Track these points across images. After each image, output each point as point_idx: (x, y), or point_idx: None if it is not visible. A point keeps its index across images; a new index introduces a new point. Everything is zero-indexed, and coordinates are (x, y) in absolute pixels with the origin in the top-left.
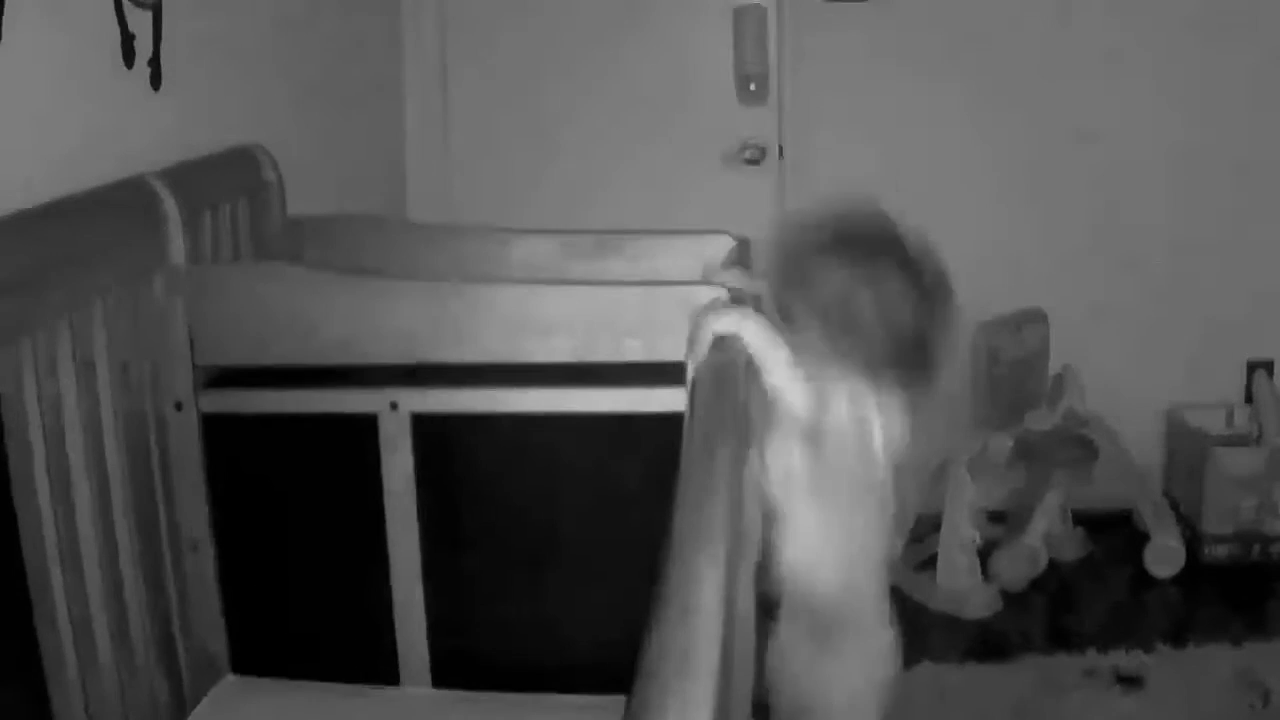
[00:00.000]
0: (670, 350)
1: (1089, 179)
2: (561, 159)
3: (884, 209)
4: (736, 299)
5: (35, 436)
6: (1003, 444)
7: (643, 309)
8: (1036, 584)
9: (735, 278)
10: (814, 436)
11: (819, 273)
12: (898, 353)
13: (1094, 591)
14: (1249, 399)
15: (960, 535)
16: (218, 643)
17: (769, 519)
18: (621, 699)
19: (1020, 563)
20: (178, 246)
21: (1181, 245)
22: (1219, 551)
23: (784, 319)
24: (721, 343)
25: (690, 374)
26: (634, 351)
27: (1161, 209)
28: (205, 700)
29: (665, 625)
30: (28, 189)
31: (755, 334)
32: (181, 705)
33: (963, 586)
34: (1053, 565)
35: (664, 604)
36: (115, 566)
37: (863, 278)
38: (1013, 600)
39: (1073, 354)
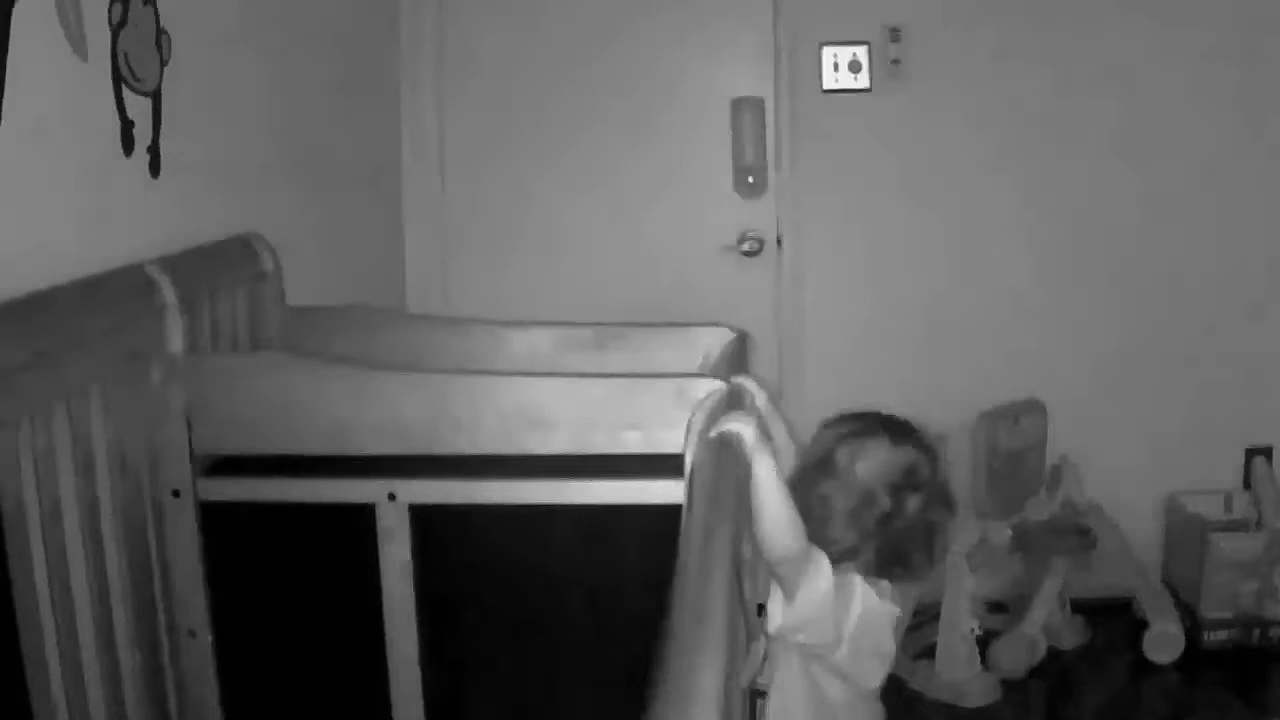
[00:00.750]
0: (668, 442)
1: (1087, 268)
2: (560, 251)
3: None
4: (735, 394)
5: (33, 524)
6: (1001, 533)
7: (640, 401)
8: (1036, 672)
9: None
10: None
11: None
12: (911, 542)
13: (1093, 679)
14: (1247, 485)
15: (960, 625)
16: None
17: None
18: None
19: (1019, 651)
20: (176, 334)
21: (1179, 333)
22: (1219, 637)
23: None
24: (725, 441)
25: (688, 466)
26: (632, 443)
27: (1158, 298)
28: None
29: (665, 717)
30: (26, 275)
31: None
32: None
33: (962, 676)
34: (1052, 653)
35: (663, 696)
36: (113, 653)
37: (899, 468)
38: (1012, 689)
39: (1071, 442)
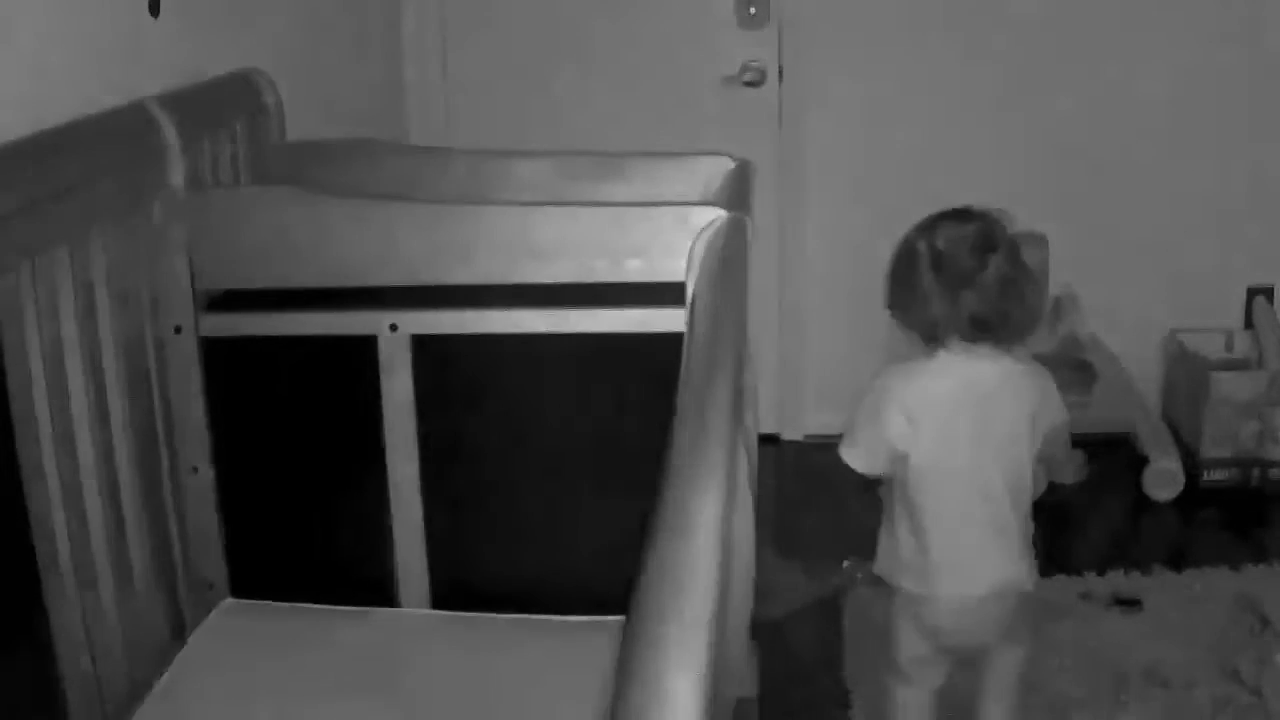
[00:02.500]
0: (670, 270)
1: (1090, 104)
2: (561, 83)
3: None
4: (736, 224)
5: (35, 363)
6: None
7: (642, 230)
8: (1035, 507)
9: None
10: None
11: (935, 237)
12: (1005, 298)
13: (1092, 514)
14: (1249, 325)
15: None
16: (217, 567)
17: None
18: (621, 620)
19: None
20: (177, 171)
21: (1183, 171)
22: (1218, 476)
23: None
24: None
25: (690, 294)
26: (634, 272)
27: (1164, 135)
28: (204, 624)
29: (663, 545)
30: (26, 116)
31: None
32: (181, 629)
33: None
34: (1051, 488)
35: (662, 524)
36: (115, 491)
37: (972, 234)
38: None
39: (1073, 277)
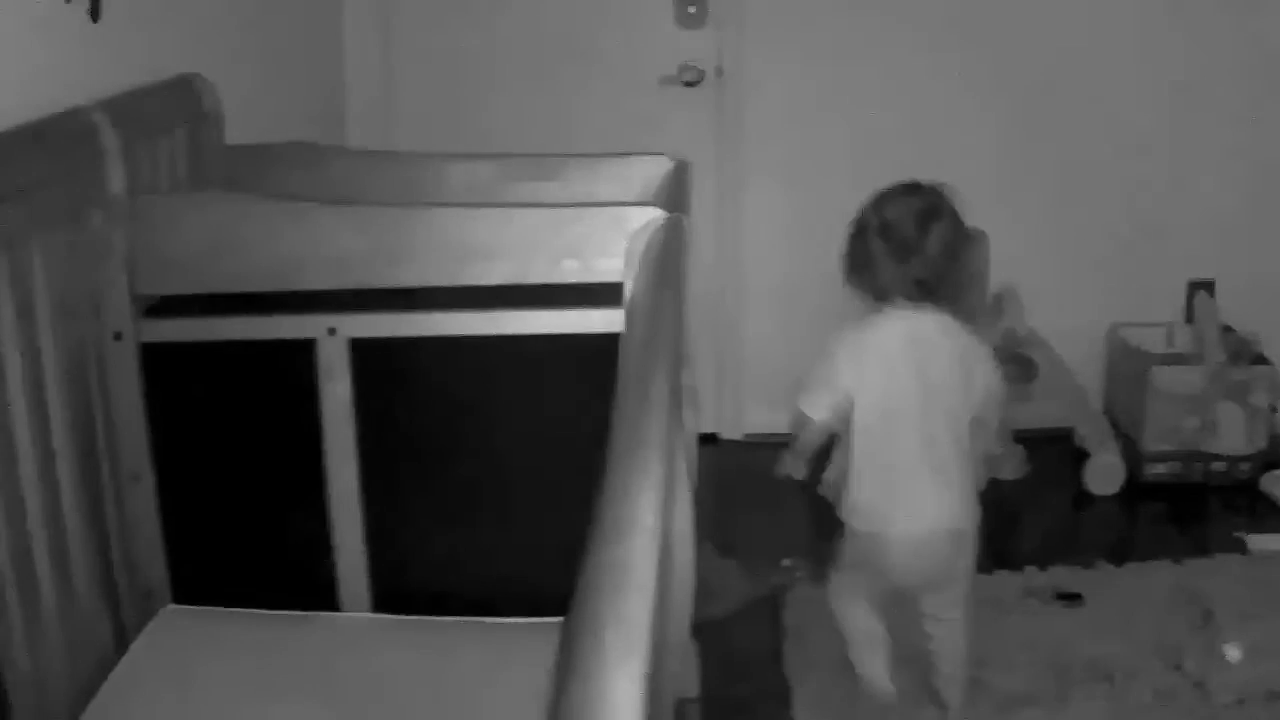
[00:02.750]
0: (609, 271)
1: (1032, 95)
2: (500, 84)
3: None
4: (674, 224)
5: None
6: None
7: (580, 231)
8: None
9: None
10: None
11: (883, 208)
12: (946, 266)
13: (1034, 510)
14: (1190, 319)
15: None
16: (158, 573)
17: None
18: (561, 621)
19: None
20: (116, 177)
21: (1123, 164)
22: (1159, 470)
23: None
24: None
25: (628, 294)
26: (572, 273)
27: (1104, 127)
28: (146, 631)
29: (602, 547)
30: None
31: None
32: (122, 636)
33: None
34: (993, 484)
35: (601, 526)
36: (55, 498)
37: (918, 206)
38: None
39: (1014, 272)
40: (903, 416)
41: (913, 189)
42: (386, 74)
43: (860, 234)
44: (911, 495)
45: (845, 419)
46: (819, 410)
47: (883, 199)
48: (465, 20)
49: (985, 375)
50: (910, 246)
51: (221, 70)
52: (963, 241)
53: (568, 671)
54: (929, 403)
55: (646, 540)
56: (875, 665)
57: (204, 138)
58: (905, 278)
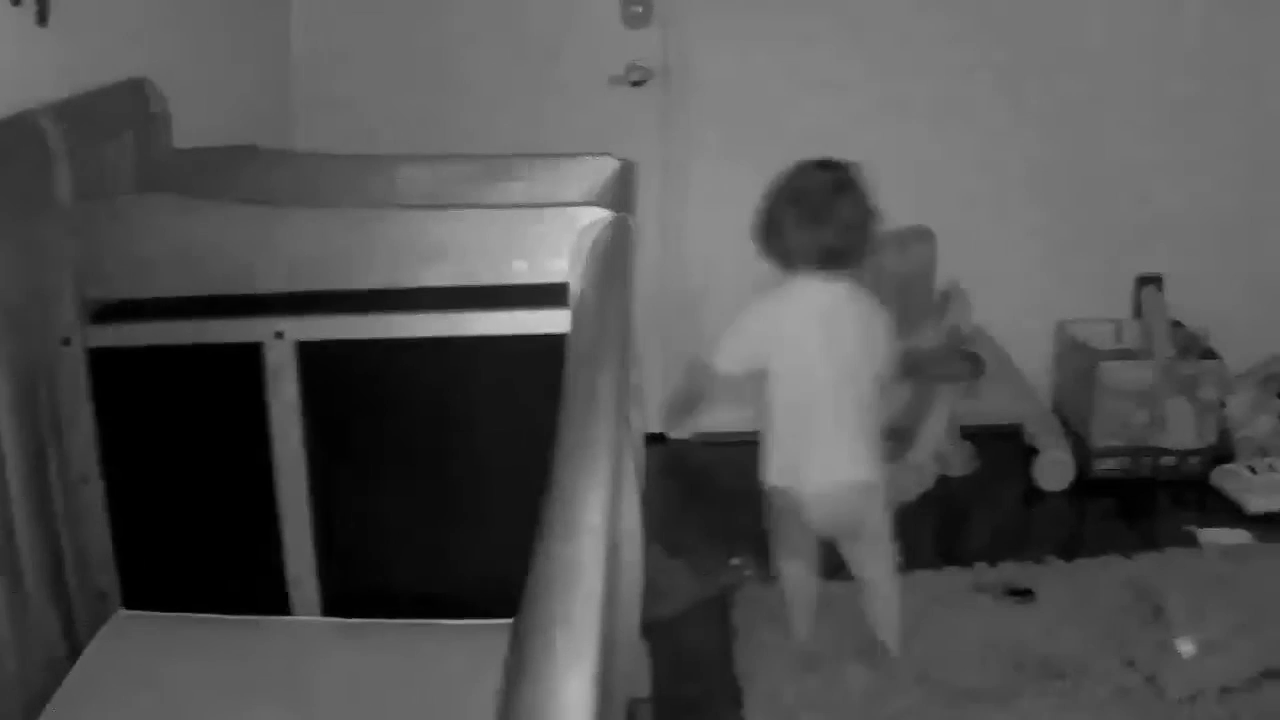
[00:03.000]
0: (556, 272)
1: (979, 95)
2: (448, 87)
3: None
4: (621, 224)
5: None
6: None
7: (527, 232)
8: (926, 499)
9: None
10: None
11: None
12: (849, 234)
13: (984, 506)
14: (1138, 314)
15: None
16: (109, 579)
17: None
18: (511, 623)
19: (909, 478)
20: (64, 181)
21: (1070, 161)
22: (1109, 465)
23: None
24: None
25: (574, 294)
26: (520, 274)
27: (1049, 125)
28: (98, 637)
29: (550, 548)
30: None
31: None
32: (74, 642)
33: None
34: (942, 480)
35: (548, 527)
36: (5, 503)
37: (829, 180)
38: (902, 516)
39: (961, 270)
40: (813, 379)
41: (826, 164)
42: (334, 77)
43: (773, 201)
44: (822, 452)
45: (748, 376)
46: (726, 363)
47: (797, 170)
48: (413, 23)
49: (886, 338)
50: (820, 215)
51: (169, 74)
52: (870, 215)
53: (518, 673)
54: (837, 366)
55: (594, 540)
56: (799, 619)
57: (152, 141)
58: (814, 244)
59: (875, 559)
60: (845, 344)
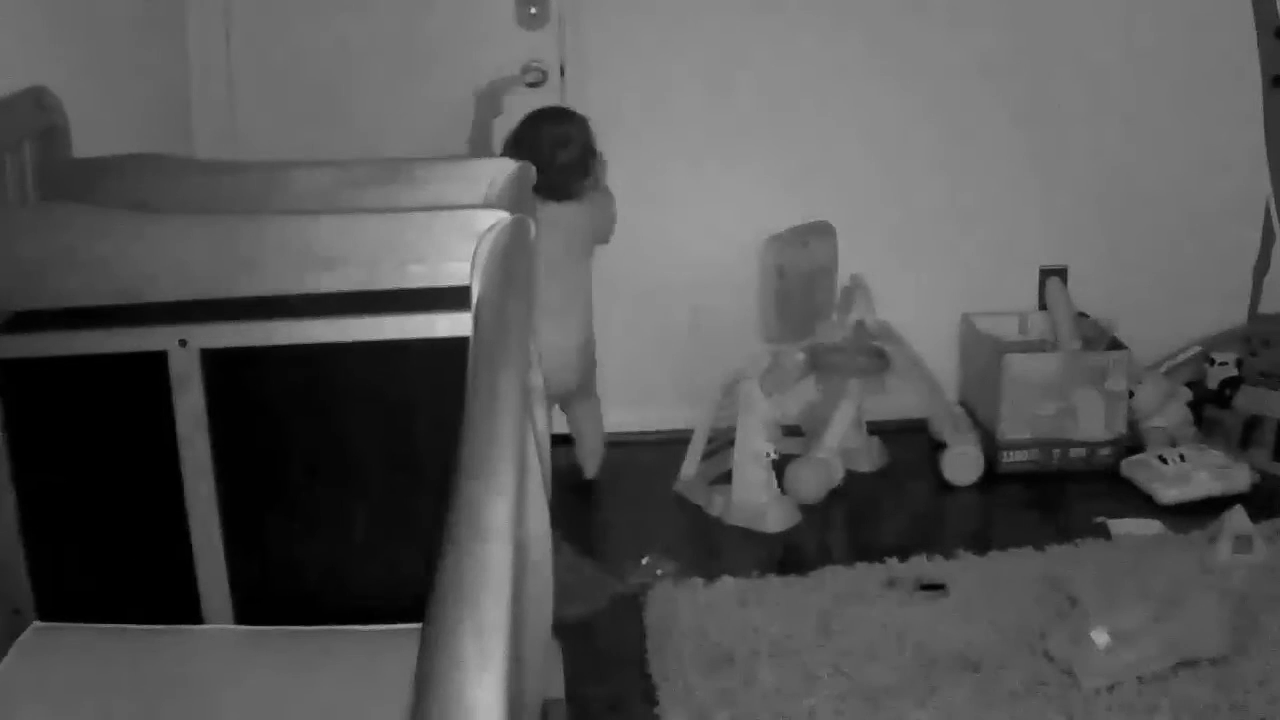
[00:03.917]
0: (454, 274)
1: (877, 86)
2: (345, 90)
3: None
4: (519, 226)
5: None
6: (794, 357)
7: (425, 235)
8: (834, 495)
9: None
10: None
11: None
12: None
13: (893, 501)
14: (1043, 306)
15: (754, 450)
16: (22, 591)
17: None
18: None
19: (817, 475)
20: None
21: (973, 154)
22: (1017, 457)
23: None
24: None
25: (475, 297)
26: (419, 278)
27: (951, 115)
28: (12, 650)
29: (455, 552)
30: None
31: None
32: None
33: (760, 501)
34: (850, 476)
35: (453, 531)
36: None
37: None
38: (811, 512)
39: (864, 264)
40: (553, 272)
41: (559, 117)
42: (231, 84)
43: (510, 145)
44: (557, 317)
45: None
46: None
47: (533, 122)
48: (308, 27)
49: (602, 230)
50: (541, 162)
51: (67, 83)
52: (588, 159)
53: (427, 679)
54: (569, 261)
55: (500, 543)
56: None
57: (51, 151)
58: (541, 184)
59: (593, 414)
60: (574, 245)
